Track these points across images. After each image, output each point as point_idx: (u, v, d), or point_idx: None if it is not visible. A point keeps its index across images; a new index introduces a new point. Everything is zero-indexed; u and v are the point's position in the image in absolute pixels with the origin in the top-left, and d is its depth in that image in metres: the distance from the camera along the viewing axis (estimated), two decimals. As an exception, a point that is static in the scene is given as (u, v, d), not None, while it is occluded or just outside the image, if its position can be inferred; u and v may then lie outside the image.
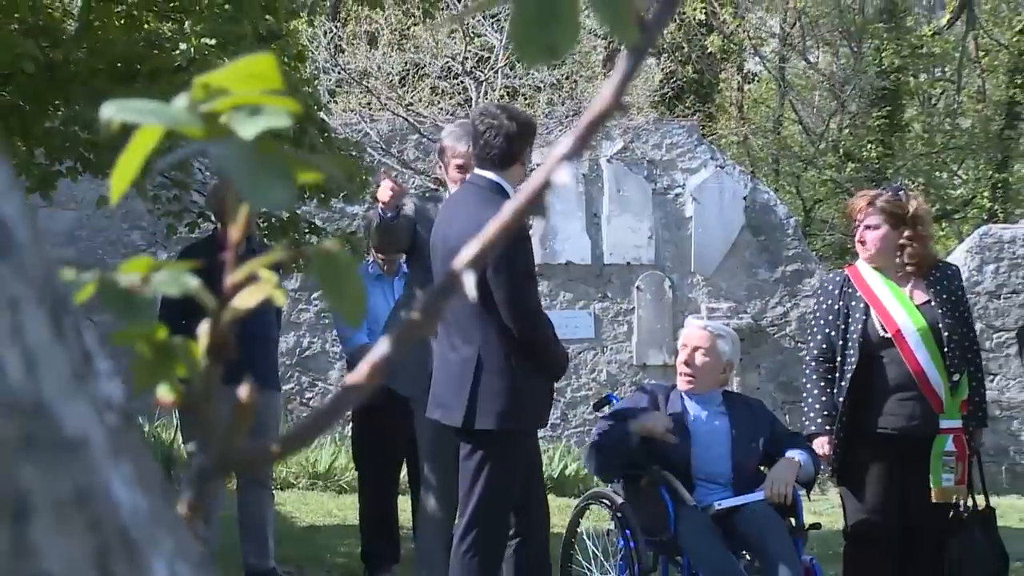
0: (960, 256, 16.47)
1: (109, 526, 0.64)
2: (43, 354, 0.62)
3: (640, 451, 6.99)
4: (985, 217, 23.53)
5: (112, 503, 0.65)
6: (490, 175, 6.65)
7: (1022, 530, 12.44)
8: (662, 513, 6.92)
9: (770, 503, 7.03)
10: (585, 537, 7.79)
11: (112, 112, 0.95)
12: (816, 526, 7.66)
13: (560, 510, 12.42)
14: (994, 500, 7.67)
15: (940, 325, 7.18)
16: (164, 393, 1.00)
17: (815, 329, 7.48)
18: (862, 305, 7.33)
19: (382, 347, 1.01)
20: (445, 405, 6.61)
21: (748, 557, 6.93)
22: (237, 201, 1.02)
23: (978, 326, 15.88)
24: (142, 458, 0.72)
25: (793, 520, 7.24)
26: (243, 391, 1.02)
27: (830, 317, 7.42)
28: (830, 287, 7.54)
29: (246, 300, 1.04)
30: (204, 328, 1.00)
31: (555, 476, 14.31)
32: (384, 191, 7.26)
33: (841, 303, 7.42)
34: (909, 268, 7.38)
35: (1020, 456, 15.88)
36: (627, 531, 7.20)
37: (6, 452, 0.61)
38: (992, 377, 15.93)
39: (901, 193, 7.58)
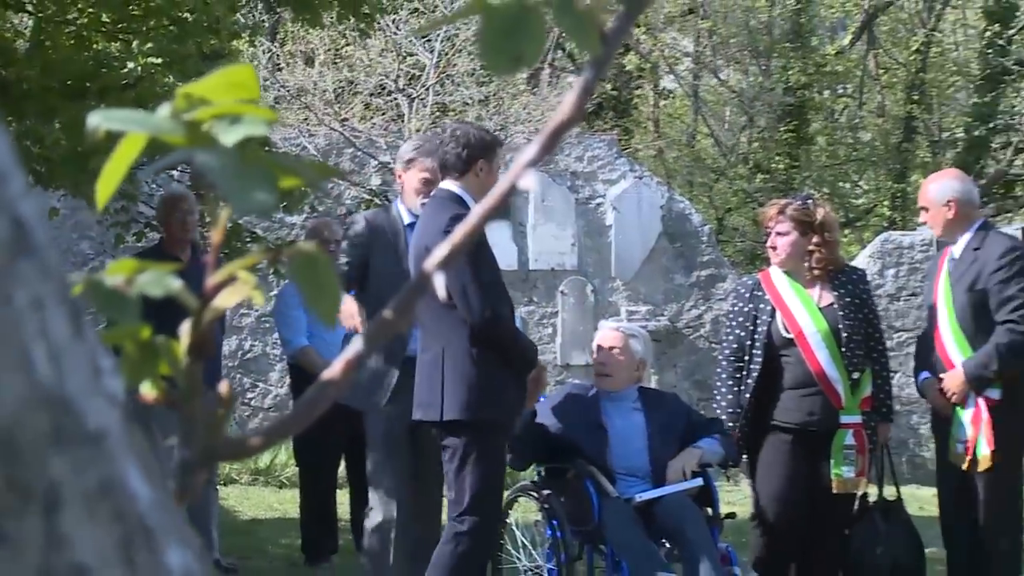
0: (863, 261, 16.60)
1: (131, 516, 0.64)
2: (65, 351, 0.61)
3: (561, 446, 7.02)
4: (885, 224, 23.70)
5: (131, 494, 0.64)
6: (449, 186, 6.71)
7: (922, 518, 12.51)
8: (587, 505, 6.95)
9: (689, 494, 7.10)
10: (514, 527, 7.77)
11: (98, 121, 0.95)
12: (731, 515, 7.72)
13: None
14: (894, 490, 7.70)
15: (840, 326, 7.24)
16: (147, 390, 0.99)
17: (727, 331, 7.54)
18: (769, 308, 7.38)
19: (356, 345, 1.01)
20: (423, 403, 6.63)
21: (668, 545, 6.95)
22: (217, 207, 1.01)
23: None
24: (144, 452, 0.71)
25: (710, 510, 7.29)
26: (223, 387, 1.01)
27: (741, 319, 7.48)
28: (742, 291, 7.61)
29: (226, 300, 1.03)
30: (186, 327, 0.99)
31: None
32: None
33: (751, 306, 7.47)
34: (817, 272, 7.43)
35: (919, 448, 16.01)
36: (554, 521, 7.21)
37: (39, 446, 0.60)
38: (892, 375, 16.03)
39: (809, 202, 7.64)
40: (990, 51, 23.79)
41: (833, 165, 26.07)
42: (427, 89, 16.93)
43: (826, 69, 25.36)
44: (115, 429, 0.64)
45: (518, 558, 7.64)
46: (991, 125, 23.53)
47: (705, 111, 27.57)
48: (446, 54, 17.11)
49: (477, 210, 1.02)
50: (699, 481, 7.19)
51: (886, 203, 25.34)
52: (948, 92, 26.15)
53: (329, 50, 17.51)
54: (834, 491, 7.26)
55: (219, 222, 1.01)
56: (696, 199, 23.55)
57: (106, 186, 0.97)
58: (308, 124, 16.60)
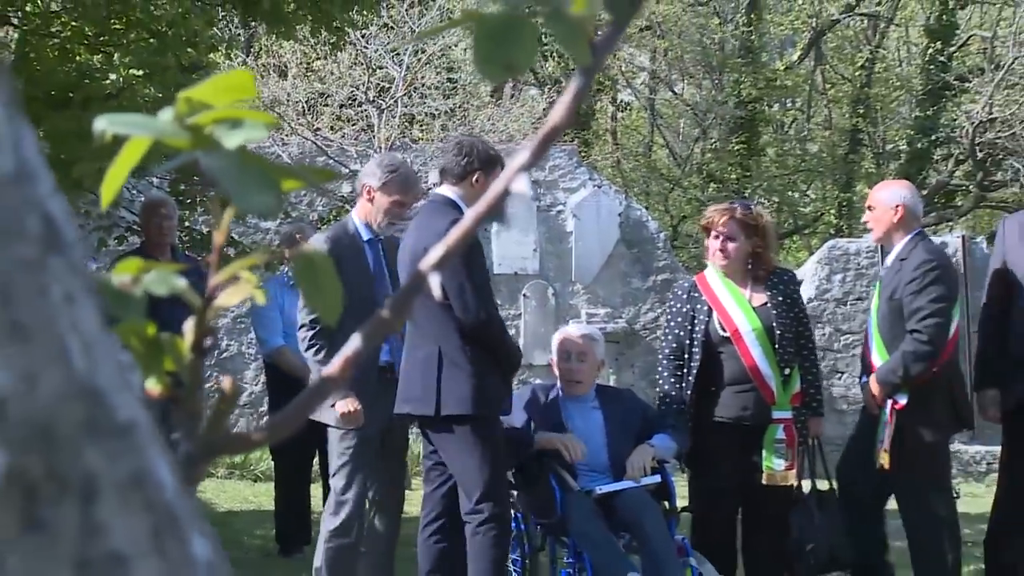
0: (811, 267, 16.65)
1: (160, 506, 0.63)
2: (95, 345, 0.61)
3: (526, 443, 7.03)
4: (832, 232, 23.81)
5: (159, 485, 0.64)
6: (445, 191, 6.75)
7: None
8: (550, 498, 6.96)
9: (647, 489, 7.11)
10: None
11: (104, 125, 0.94)
12: (687, 508, 7.75)
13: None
14: (840, 484, 7.78)
15: (774, 325, 7.31)
16: (152, 385, 0.98)
17: (667, 330, 7.57)
18: (706, 308, 7.44)
19: (354, 343, 1.00)
20: (413, 399, 6.61)
21: (627, 536, 6.97)
22: (220, 208, 1.00)
23: (827, 329, 16.12)
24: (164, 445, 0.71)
25: (667, 503, 7.32)
26: (226, 383, 1.00)
27: (680, 319, 7.52)
28: (680, 292, 7.64)
29: (228, 299, 1.02)
30: (189, 325, 0.99)
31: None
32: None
33: (688, 306, 7.51)
34: (752, 274, 7.50)
35: (863, 444, 16.05)
36: (518, 515, 7.23)
37: (75, 437, 0.60)
38: (840, 375, 16.13)
39: (753, 207, 7.71)
40: (931, 67, 23.94)
41: (782, 175, 26.16)
42: (396, 101, 16.94)
43: (776, 84, 25.46)
44: (142, 421, 0.64)
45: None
46: (932, 138, 23.66)
47: (661, 123, 27.67)
48: (414, 68, 17.11)
49: (471, 213, 1.01)
50: (657, 478, 7.20)
51: (833, 211, 25.46)
52: (891, 106, 26.28)
53: (301, 63, 17.51)
54: (764, 483, 7.31)
55: (223, 223, 1.00)
56: (652, 207, 23.61)
57: (110, 187, 0.97)
58: (281, 133, 16.59)
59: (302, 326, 6.91)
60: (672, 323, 7.54)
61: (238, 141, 0.97)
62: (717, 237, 7.51)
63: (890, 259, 7.57)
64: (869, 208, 7.68)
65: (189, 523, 0.66)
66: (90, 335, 0.63)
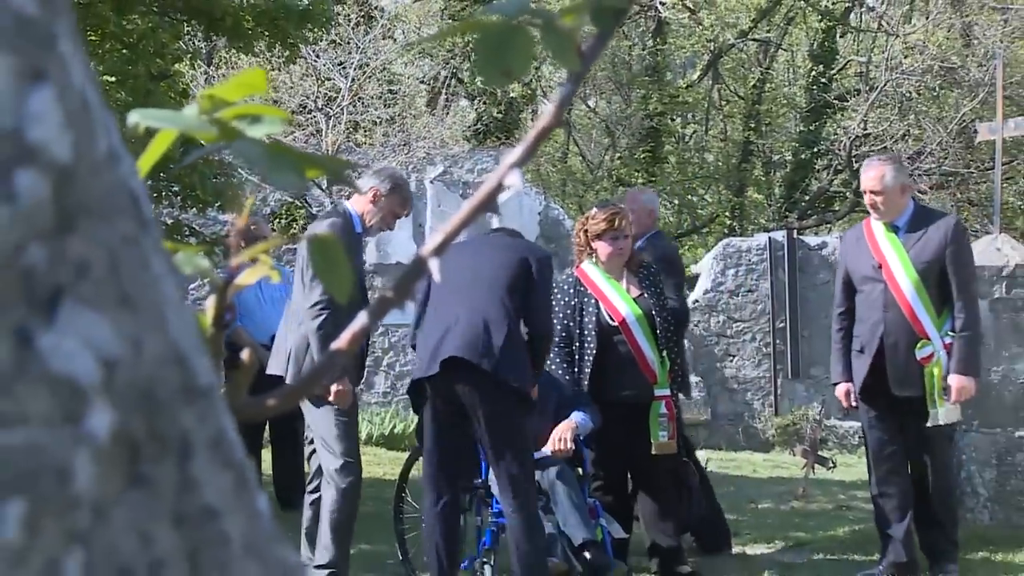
0: (707, 262, 16.80)
1: (235, 463, 0.63)
2: (180, 314, 0.60)
3: None
4: (726, 231, 23.97)
5: (233, 443, 0.63)
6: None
7: (756, 479, 12.75)
8: (476, 466, 6.95)
9: (563, 457, 7.15)
10: (416, 483, 7.78)
11: (137, 119, 0.93)
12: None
13: (391, 461, 12.43)
14: (732, 455, 7.93)
15: (653, 312, 7.40)
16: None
17: (555, 322, 7.47)
18: (593, 300, 7.49)
19: (361, 319, 0.99)
20: (475, 351, 6.41)
21: (544, 499, 6.99)
22: (242, 194, 0.99)
23: (721, 318, 16.25)
24: None
25: (580, 470, 7.35)
26: (245, 354, 0.99)
27: (568, 311, 7.54)
28: (565, 286, 7.64)
29: (247, 279, 1.01)
30: (211, 301, 0.97)
31: (386, 434, 14.33)
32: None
33: (576, 300, 7.55)
34: (627, 267, 7.57)
35: (752, 420, 16.20)
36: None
37: (173, 399, 0.59)
38: (732, 358, 16.29)
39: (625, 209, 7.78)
40: (814, 87, 24.16)
41: (682, 180, 26.33)
42: (342, 109, 16.89)
43: (678, 100, 25.60)
44: (216, 385, 0.63)
45: (417, 509, 7.64)
46: (815, 149, 23.88)
47: (576, 133, 27.74)
48: (358, 80, 17.06)
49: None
50: (571, 447, 7.23)
51: (727, 213, 25.64)
52: (779, 121, 26.49)
53: (204, 91, 17.39)
54: (653, 452, 7.42)
55: (244, 209, 0.99)
56: (568, 207, 23.64)
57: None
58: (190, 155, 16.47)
59: (314, 305, 6.69)
60: (561, 315, 7.53)
61: (260, 134, 0.97)
62: (616, 238, 7.52)
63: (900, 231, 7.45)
64: (872, 192, 7.41)
65: (253, 479, 0.65)
66: (176, 305, 0.62)
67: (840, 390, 7.66)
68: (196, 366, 0.62)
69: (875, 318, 7.43)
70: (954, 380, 7.23)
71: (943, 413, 7.28)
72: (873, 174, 7.38)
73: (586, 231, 7.61)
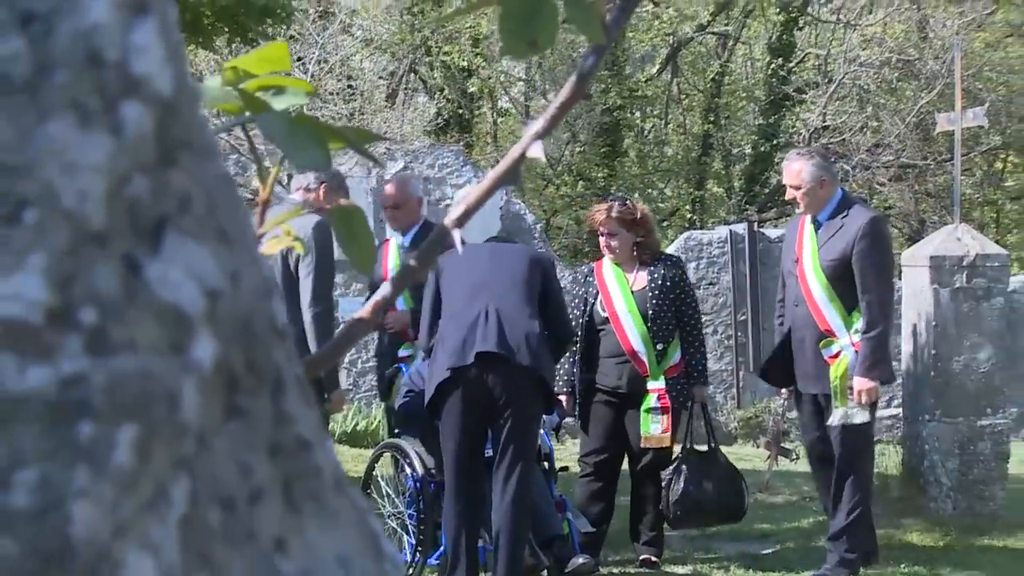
0: (670, 255, 16.87)
1: (315, 405, 0.65)
2: (249, 270, 0.62)
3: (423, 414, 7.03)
4: (687, 225, 24.01)
5: (307, 386, 0.65)
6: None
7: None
8: (442, 460, 6.98)
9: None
10: (379, 479, 7.79)
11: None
12: (564, 468, 7.85)
13: (354, 458, 12.40)
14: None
15: (647, 306, 7.42)
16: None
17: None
18: (594, 292, 7.56)
19: (383, 290, 1.03)
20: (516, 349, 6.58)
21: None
22: (266, 166, 1.03)
23: (683, 310, 16.32)
24: None
25: (546, 464, 7.39)
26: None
27: (577, 301, 7.64)
28: (580, 278, 7.78)
29: (270, 248, 1.05)
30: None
31: (349, 431, 14.30)
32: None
33: (584, 290, 7.64)
34: (639, 259, 7.60)
35: (715, 413, 16.26)
36: (414, 474, 7.24)
37: (267, 334, 0.61)
38: (695, 350, 16.35)
39: (628, 202, 7.79)
40: (773, 80, 24.22)
41: (642, 174, 26.35)
42: (302, 105, 16.85)
43: (637, 94, 25.59)
44: (289, 329, 0.66)
45: (383, 504, 7.65)
46: (774, 142, 23.95)
47: (535, 128, 27.66)
48: (318, 76, 17.01)
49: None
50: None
51: (687, 207, 25.68)
52: (738, 114, 26.56)
53: (215, 71, 17.31)
54: (642, 445, 7.44)
55: (269, 180, 1.03)
56: (528, 201, 23.63)
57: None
58: (217, 128, 16.40)
59: (315, 298, 6.90)
60: (571, 305, 7.65)
61: (284, 105, 1.00)
62: (602, 235, 7.62)
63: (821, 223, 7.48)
64: (791, 187, 7.52)
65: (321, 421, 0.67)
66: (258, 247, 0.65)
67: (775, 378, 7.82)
68: (276, 310, 0.64)
69: (789, 313, 7.52)
70: (856, 382, 7.24)
71: (843, 414, 7.27)
72: (791, 169, 7.43)
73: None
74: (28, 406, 0.52)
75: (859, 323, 7.23)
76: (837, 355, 7.28)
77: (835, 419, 7.27)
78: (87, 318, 0.54)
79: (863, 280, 7.20)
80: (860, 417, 7.27)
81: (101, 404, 0.53)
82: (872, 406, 7.36)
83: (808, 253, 7.34)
